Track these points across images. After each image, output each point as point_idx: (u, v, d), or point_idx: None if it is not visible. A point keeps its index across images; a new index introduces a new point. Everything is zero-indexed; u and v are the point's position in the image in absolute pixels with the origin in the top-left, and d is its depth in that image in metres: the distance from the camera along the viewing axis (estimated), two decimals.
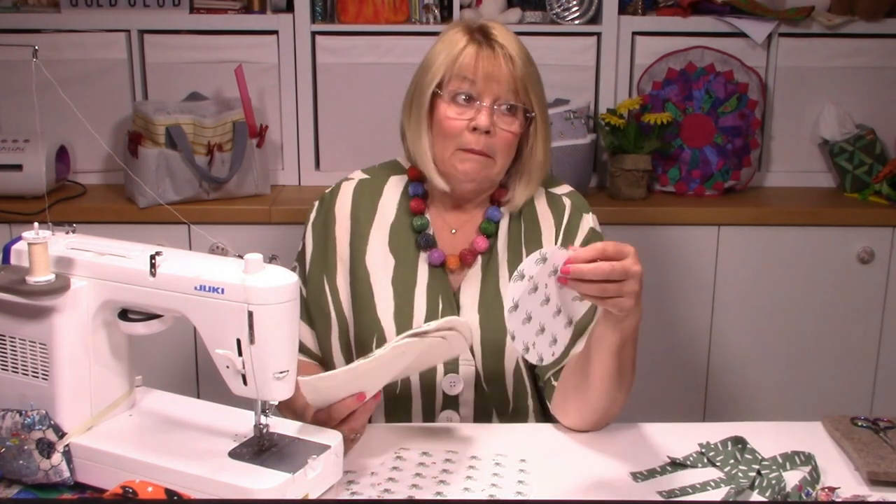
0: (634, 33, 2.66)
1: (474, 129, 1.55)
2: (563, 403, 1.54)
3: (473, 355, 1.60)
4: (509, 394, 1.62)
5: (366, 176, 1.72)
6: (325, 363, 1.67)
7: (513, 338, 1.27)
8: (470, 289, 1.63)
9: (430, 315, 1.61)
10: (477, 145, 1.56)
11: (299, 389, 1.52)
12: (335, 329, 1.65)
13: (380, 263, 1.64)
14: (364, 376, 1.34)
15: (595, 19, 2.68)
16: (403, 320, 1.61)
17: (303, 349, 1.66)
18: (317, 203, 1.71)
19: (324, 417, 1.38)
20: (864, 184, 2.65)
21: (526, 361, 1.62)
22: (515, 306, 1.25)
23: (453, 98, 1.57)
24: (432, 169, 1.62)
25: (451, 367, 1.60)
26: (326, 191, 1.72)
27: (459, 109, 1.56)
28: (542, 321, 1.29)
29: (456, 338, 1.39)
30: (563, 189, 1.71)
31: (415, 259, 1.65)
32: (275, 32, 2.65)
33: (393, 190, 1.70)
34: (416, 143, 1.63)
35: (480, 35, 1.58)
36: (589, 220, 1.67)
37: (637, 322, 1.39)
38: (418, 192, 1.68)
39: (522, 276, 1.26)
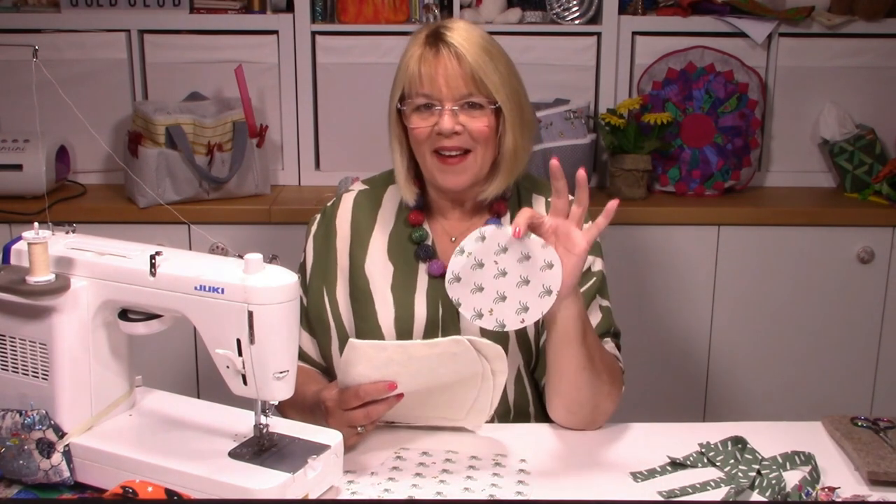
0: (634, 33, 2.66)
1: (439, 133, 1.56)
2: (550, 401, 1.54)
3: None
4: (510, 401, 1.62)
5: (365, 187, 1.73)
6: (328, 372, 1.68)
7: (458, 305, 1.39)
8: None
9: (431, 322, 1.61)
10: (449, 143, 1.57)
11: (305, 386, 1.52)
12: (335, 340, 1.65)
13: (379, 271, 1.64)
14: (409, 363, 1.35)
15: (595, 19, 2.68)
16: (404, 327, 1.61)
17: (305, 357, 1.66)
18: (318, 215, 1.72)
19: (348, 396, 1.37)
20: (864, 184, 2.65)
21: (527, 368, 1.63)
22: (457, 278, 1.38)
23: (415, 110, 1.58)
24: (403, 182, 1.65)
25: None
26: (328, 203, 1.73)
27: (423, 116, 1.58)
28: (501, 290, 1.39)
29: (487, 387, 1.43)
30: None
31: (414, 266, 1.65)
32: (275, 32, 2.65)
33: (392, 200, 1.70)
34: (392, 155, 1.66)
35: (432, 37, 1.57)
36: None
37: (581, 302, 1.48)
38: (417, 204, 1.68)
39: (462, 252, 1.37)
